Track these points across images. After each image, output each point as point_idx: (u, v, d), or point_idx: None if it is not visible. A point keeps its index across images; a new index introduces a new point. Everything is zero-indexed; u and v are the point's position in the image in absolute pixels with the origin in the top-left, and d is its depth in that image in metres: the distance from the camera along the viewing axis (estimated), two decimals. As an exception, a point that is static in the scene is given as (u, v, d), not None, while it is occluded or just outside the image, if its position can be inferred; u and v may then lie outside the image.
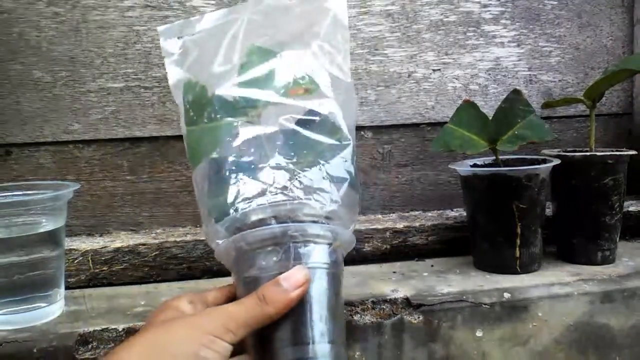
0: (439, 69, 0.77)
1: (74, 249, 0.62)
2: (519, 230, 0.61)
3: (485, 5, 0.78)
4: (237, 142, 0.44)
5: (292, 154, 0.44)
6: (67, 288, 0.58)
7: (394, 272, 0.65)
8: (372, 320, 0.54)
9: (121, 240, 0.65)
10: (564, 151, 0.68)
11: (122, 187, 0.71)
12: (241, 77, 0.46)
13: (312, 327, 0.40)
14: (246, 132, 0.44)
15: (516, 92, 0.65)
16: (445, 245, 0.71)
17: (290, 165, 0.44)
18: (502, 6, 0.78)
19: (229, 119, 0.45)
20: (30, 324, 0.52)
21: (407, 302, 0.55)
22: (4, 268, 0.51)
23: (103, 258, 0.63)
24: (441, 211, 0.78)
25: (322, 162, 0.44)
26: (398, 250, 0.70)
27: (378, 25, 0.75)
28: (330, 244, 0.42)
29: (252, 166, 0.44)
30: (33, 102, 0.67)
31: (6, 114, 0.67)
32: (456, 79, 0.78)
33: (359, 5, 0.74)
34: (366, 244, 0.68)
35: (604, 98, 0.78)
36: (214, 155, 0.45)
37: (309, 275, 0.40)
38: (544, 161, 0.64)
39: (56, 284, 0.54)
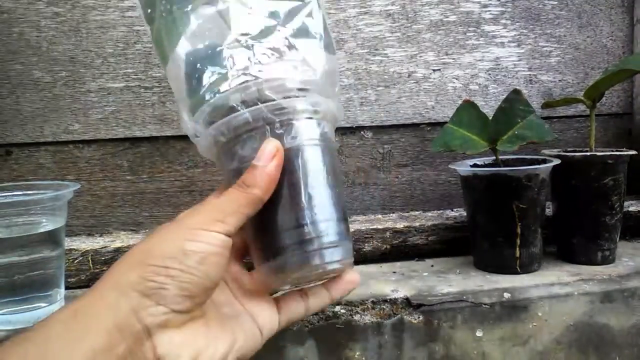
0: (439, 69, 0.77)
1: (74, 249, 0.62)
2: (519, 230, 0.61)
3: (485, 5, 0.78)
4: (191, 29, 0.39)
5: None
6: (67, 288, 0.58)
7: (394, 272, 0.65)
8: (372, 320, 0.54)
9: (121, 240, 0.65)
10: (564, 151, 0.68)
11: (122, 187, 0.71)
12: None
13: (308, 207, 0.37)
14: (198, 15, 0.39)
15: (516, 92, 0.65)
16: (445, 245, 0.71)
17: (248, 40, 0.38)
18: (502, 6, 0.78)
19: (181, 5, 0.40)
20: (31, 324, 0.51)
21: (407, 302, 0.55)
22: (4, 268, 0.51)
23: (103, 258, 0.63)
24: (441, 211, 0.78)
25: (280, 27, 0.39)
26: (398, 250, 0.70)
27: (378, 25, 0.75)
28: (310, 118, 0.39)
29: (209, 51, 0.39)
30: (33, 102, 0.67)
31: (6, 114, 0.67)
32: (456, 79, 0.78)
33: (359, 5, 0.74)
34: (366, 244, 0.68)
35: (604, 98, 0.78)
36: (177, 50, 0.40)
37: (278, 143, 0.37)
38: (544, 161, 0.64)
39: (56, 284, 0.54)
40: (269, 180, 0.36)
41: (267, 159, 0.36)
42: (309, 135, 0.39)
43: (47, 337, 0.32)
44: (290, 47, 0.39)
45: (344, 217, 0.40)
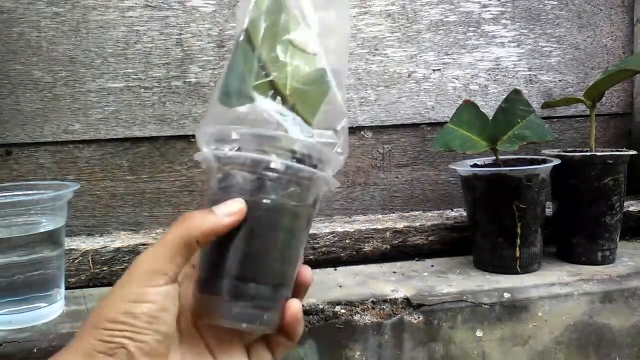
0: (439, 69, 0.77)
1: (74, 249, 0.62)
2: (519, 230, 0.61)
3: (485, 5, 0.78)
4: None
5: None
6: (67, 288, 0.58)
7: (394, 272, 0.65)
8: (372, 320, 0.54)
9: (121, 240, 0.65)
10: (564, 151, 0.68)
11: (122, 187, 0.71)
12: None
13: (246, 263, 0.37)
14: None
15: (516, 92, 0.65)
16: (445, 245, 0.71)
17: None
18: (502, 6, 0.78)
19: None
20: (31, 324, 0.52)
21: (407, 302, 0.55)
22: (4, 268, 0.51)
23: (103, 258, 0.63)
24: (441, 211, 0.78)
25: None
26: (398, 250, 0.70)
27: (378, 25, 0.75)
28: (281, 177, 0.38)
29: None
30: (33, 102, 0.67)
31: (6, 114, 0.67)
32: (456, 79, 0.78)
33: (359, 5, 0.74)
34: (366, 244, 0.68)
35: (604, 98, 0.78)
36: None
37: (244, 207, 0.36)
38: (544, 161, 0.64)
39: (56, 284, 0.54)
40: (214, 233, 0.36)
41: (225, 213, 0.36)
42: (271, 192, 0.38)
43: None
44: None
45: (283, 283, 0.39)
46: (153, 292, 0.35)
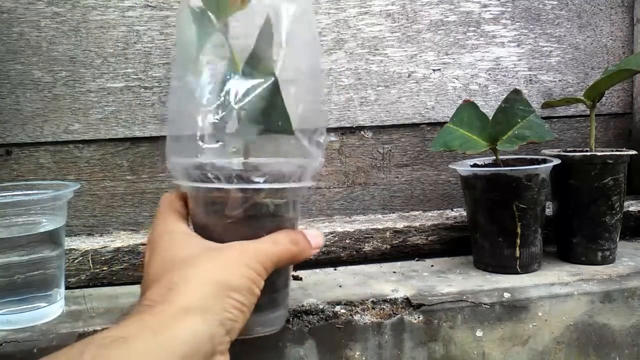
0: (439, 69, 0.77)
1: (74, 249, 0.62)
2: (519, 230, 0.61)
3: (485, 5, 0.78)
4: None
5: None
6: (67, 288, 0.58)
7: (394, 272, 0.65)
8: (372, 320, 0.54)
9: (121, 240, 0.65)
10: (564, 151, 0.68)
11: (122, 187, 0.71)
12: None
13: (287, 281, 0.45)
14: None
15: (516, 92, 0.65)
16: (445, 245, 0.71)
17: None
18: (502, 6, 0.78)
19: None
20: (30, 324, 0.52)
21: (407, 302, 0.55)
22: (4, 268, 0.51)
23: (103, 258, 0.63)
24: (441, 211, 0.78)
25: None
26: (398, 250, 0.70)
27: (378, 25, 0.75)
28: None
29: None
30: (33, 102, 0.67)
31: (6, 114, 0.67)
32: (456, 79, 0.78)
33: (359, 5, 0.74)
34: (366, 244, 0.68)
35: (604, 98, 0.78)
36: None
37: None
38: (544, 161, 0.64)
39: (56, 284, 0.54)
40: (306, 256, 0.42)
41: (317, 245, 0.43)
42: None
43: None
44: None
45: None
46: (261, 280, 0.39)
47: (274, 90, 0.41)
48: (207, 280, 0.35)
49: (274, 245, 0.39)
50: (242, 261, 0.37)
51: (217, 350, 0.34)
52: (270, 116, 0.41)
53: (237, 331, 0.36)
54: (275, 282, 0.42)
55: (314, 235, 0.42)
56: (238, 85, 0.41)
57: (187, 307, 0.34)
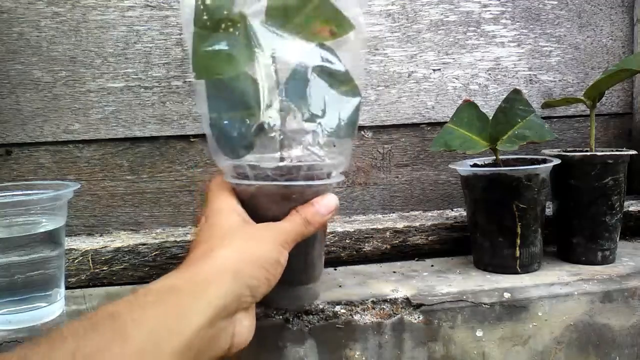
0: (439, 69, 0.77)
1: (74, 249, 0.62)
2: (519, 230, 0.61)
3: (485, 5, 0.78)
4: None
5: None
6: (67, 288, 0.58)
7: (394, 272, 0.65)
8: (372, 320, 0.54)
9: (121, 240, 0.65)
10: (564, 151, 0.68)
11: (122, 187, 0.71)
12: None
13: (319, 257, 0.52)
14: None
15: (516, 92, 0.65)
16: (445, 245, 0.71)
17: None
18: (502, 6, 0.78)
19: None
20: (30, 324, 0.52)
21: (408, 302, 0.55)
22: (4, 268, 0.51)
23: (103, 258, 0.63)
24: (441, 211, 0.78)
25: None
26: (398, 250, 0.70)
27: (378, 25, 0.75)
28: None
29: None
30: (33, 102, 0.67)
31: (6, 114, 0.67)
32: (456, 78, 0.78)
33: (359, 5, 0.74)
34: (366, 244, 0.68)
35: (604, 98, 0.78)
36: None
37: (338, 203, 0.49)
38: (544, 161, 0.64)
39: (56, 284, 0.54)
40: (323, 224, 0.49)
41: (329, 210, 0.49)
42: None
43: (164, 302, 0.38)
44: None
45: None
46: (285, 254, 0.46)
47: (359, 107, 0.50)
48: (242, 250, 0.42)
49: (291, 225, 0.47)
50: (271, 237, 0.44)
51: (241, 307, 0.41)
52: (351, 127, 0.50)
53: (261, 295, 0.43)
54: (307, 255, 0.50)
55: (324, 204, 0.48)
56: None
57: (223, 269, 0.40)
